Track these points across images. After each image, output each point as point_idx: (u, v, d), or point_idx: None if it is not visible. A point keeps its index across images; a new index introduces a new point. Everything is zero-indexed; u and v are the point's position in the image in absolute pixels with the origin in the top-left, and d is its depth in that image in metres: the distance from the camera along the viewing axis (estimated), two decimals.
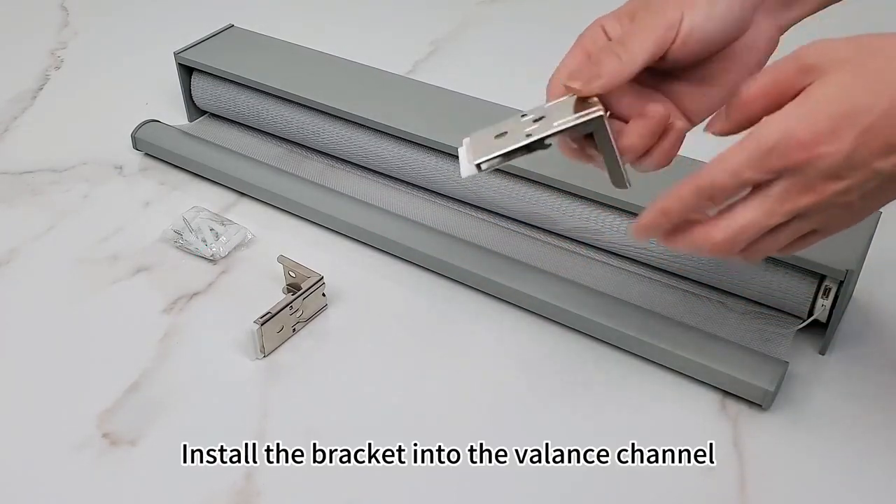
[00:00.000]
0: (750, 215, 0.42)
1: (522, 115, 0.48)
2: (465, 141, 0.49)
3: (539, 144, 0.47)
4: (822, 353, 0.61)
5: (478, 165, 0.47)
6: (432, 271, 0.69)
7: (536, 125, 0.47)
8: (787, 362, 0.58)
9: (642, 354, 0.61)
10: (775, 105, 0.42)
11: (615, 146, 0.47)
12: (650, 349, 0.60)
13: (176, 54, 0.83)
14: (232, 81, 0.82)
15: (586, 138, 0.48)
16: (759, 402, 0.57)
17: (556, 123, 0.46)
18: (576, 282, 0.65)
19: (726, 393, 0.58)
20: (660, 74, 0.49)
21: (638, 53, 0.46)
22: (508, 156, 0.47)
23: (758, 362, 0.58)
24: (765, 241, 0.44)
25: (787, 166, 0.40)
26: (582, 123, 0.46)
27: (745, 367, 0.57)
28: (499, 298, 0.66)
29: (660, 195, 0.44)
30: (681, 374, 0.60)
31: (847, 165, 0.40)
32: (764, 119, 0.41)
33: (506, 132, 0.47)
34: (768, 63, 0.49)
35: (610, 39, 0.48)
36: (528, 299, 0.64)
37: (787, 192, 0.41)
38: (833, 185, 0.40)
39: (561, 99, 0.48)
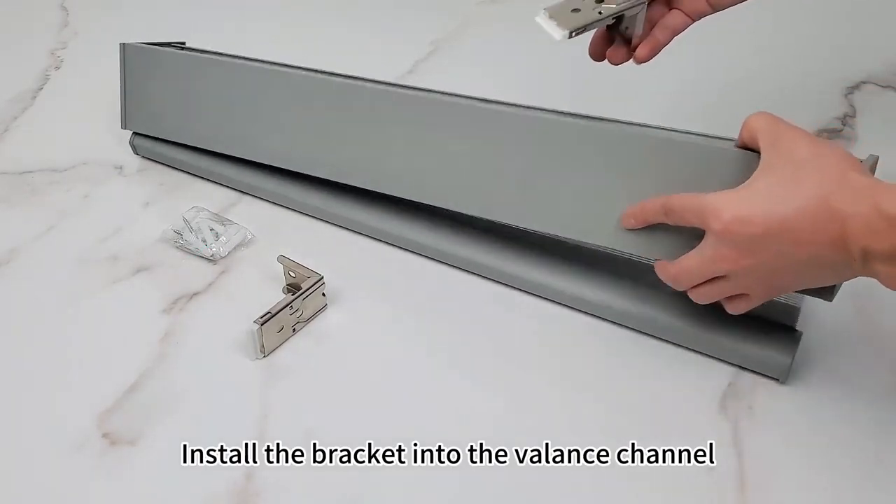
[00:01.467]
0: (690, 263, 0.54)
1: None
2: (542, 13, 0.58)
3: (605, 21, 0.59)
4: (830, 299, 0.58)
5: (570, 33, 0.57)
6: (431, 272, 0.69)
7: (601, 6, 0.59)
8: (801, 332, 0.58)
9: (653, 333, 0.62)
10: None
11: (641, 28, 0.62)
12: (660, 326, 0.61)
13: (123, 128, 0.82)
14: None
15: (611, 30, 0.64)
16: (776, 377, 0.57)
17: (615, 4, 0.59)
18: (581, 263, 0.65)
19: (727, 390, 0.58)
20: None
21: None
22: (590, 27, 0.59)
23: (770, 334, 0.58)
24: (706, 287, 0.54)
25: (711, 229, 0.51)
26: (637, 5, 0.60)
27: (759, 341, 0.57)
28: (498, 300, 0.66)
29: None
30: (681, 374, 0.60)
31: (756, 247, 0.50)
32: (719, 192, 0.52)
33: (578, 9, 0.59)
34: None
35: None
36: (525, 281, 0.65)
37: (713, 255, 0.52)
38: (744, 260, 0.51)
39: None
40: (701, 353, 0.61)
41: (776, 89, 0.91)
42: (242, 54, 0.81)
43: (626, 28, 0.63)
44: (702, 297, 0.55)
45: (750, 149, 0.54)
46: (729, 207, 0.50)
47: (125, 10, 1.13)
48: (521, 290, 0.67)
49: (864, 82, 0.91)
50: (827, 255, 0.49)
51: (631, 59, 0.64)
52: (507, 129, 0.63)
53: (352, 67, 0.76)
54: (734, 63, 0.95)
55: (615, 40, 0.64)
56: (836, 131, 0.84)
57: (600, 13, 0.59)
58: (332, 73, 0.75)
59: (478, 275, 0.69)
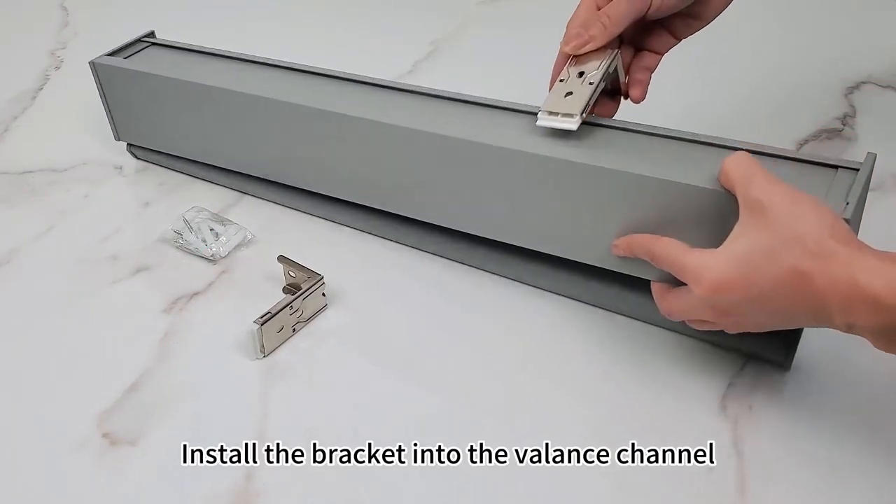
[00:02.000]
0: (680, 305, 0.55)
1: (561, 80, 0.60)
2: (541, 114, 0.59)
3: (599, 86, 0.59)
4: None
5: (581, 117, 0.58)
6: (432, 270, 0.69)
7: (585, 77, 0.60)
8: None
9: (654, 322, 0.62)
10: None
11: (623, 71, 0.63)
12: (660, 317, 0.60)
13: (118, 140, 0.82)
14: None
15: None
16: (779, 362, 0.58)
17: (598, 70, 0.60)
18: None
19: (727, 390, 0.58)
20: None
21: (619, 21, 0.59)
22: (592, 101, 0.59)
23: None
24: (698, 322, 0.55)
25: (691, 290, 0.52)
26: (612, 61, 0.60)
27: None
28: (499, 296, 0.66)
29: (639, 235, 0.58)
30: (681, 374, 0.60)
31: (737, 310, 0.51)
32: (700, 250, 0.52)
33: (570, 91, 0.59)
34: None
35: (599, 9, 0.61)
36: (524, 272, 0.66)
37: (697, 303, 0.52)
38: (724, 318, 0.52)
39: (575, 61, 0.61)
40: (703, 340, 0.61)
41: (777, 89, 0.91)
42: (239, 53, 0.81)
43: (606, 84, 0.61)
44: (696, 327, 0.56)
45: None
46: (707, 274, 0.50)
47: (125, 10, 1.13)
48: (523, 283, 0.67)
49: (864, 82, 0.91)
50: (810, 321, 0.49)
51: (623, 103, 0.64)
52: (490, 162, 0.62)
53: (352, 67, 0.76)
54: (734, 63, 0.95)
55: (597, 99, 0.63)
56: (836, 131, 0.84)
57: (591, 83, 0.59)
58: (328, 74, 0.75)
59: (480, 270, 0.69)
